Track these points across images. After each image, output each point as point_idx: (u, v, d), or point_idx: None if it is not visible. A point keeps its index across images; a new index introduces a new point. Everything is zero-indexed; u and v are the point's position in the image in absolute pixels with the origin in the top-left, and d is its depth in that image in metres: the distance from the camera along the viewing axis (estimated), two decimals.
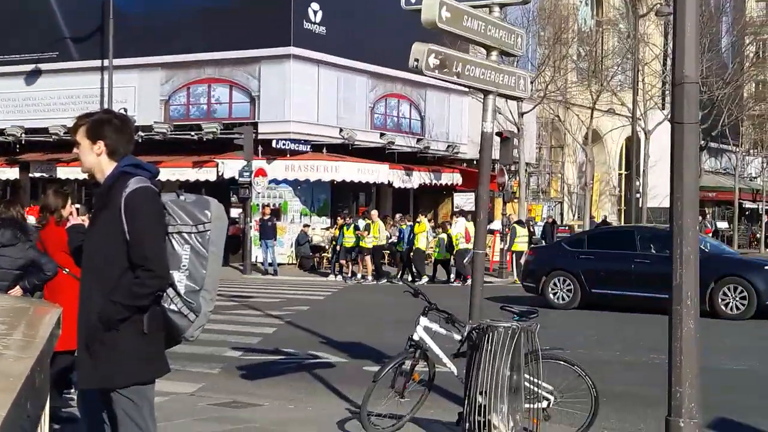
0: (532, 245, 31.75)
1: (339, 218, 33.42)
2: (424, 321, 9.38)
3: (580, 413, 8.85)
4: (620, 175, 59.15)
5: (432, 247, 31.64)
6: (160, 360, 5.40)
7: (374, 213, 32.30)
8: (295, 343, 15.44)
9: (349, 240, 31.32)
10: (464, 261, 27.72)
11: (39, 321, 4.26)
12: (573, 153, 52.42)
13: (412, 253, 30.61)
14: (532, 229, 38.17)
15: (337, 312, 21.24)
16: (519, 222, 32.52)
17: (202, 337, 5.96)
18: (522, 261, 28.46)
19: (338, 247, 31.92)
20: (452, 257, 29.90)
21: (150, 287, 5.20)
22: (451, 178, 42.12)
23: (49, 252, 8.83)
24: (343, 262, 31.81)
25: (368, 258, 30.82)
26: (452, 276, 29.98)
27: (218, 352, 14.55)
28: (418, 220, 31.03)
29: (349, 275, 31.43)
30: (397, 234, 31.96)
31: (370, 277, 30.55)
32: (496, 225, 34.59)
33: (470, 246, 26.06)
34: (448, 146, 42.72)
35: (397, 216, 34.80)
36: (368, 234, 30.67)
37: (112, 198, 5.27)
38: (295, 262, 35.87)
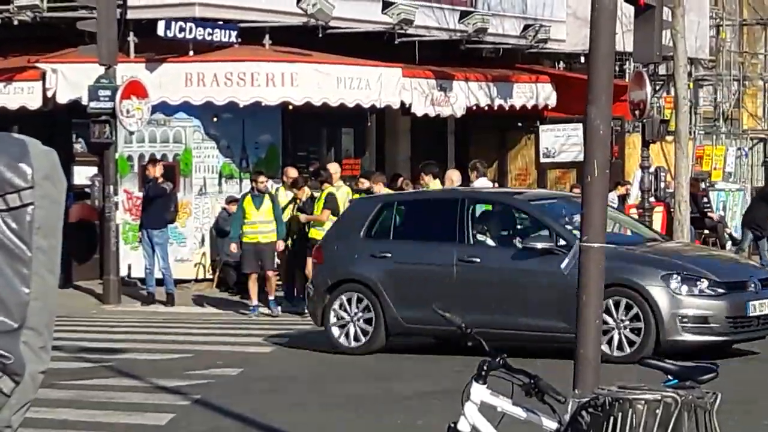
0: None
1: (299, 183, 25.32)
2: (479, 392, 6.82)
3: None
4: None
5: None
6: None
7: (332, 168, 25.80)
8: None
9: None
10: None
11: None
12: None
13: None
14: (705, 199, 29.59)
15: (298, 379, 17.04)
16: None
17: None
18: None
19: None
20: None
21: None
22: (532, 93, 32.01)
23: None
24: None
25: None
26: None
27: None
28: (421, 182, 24.84)
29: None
30: None
31: None
32: (632, 189, 28.25)
33: None
34: (527, 28, 31.87)
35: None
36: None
37: None
38: (210, 275, 28.06)
